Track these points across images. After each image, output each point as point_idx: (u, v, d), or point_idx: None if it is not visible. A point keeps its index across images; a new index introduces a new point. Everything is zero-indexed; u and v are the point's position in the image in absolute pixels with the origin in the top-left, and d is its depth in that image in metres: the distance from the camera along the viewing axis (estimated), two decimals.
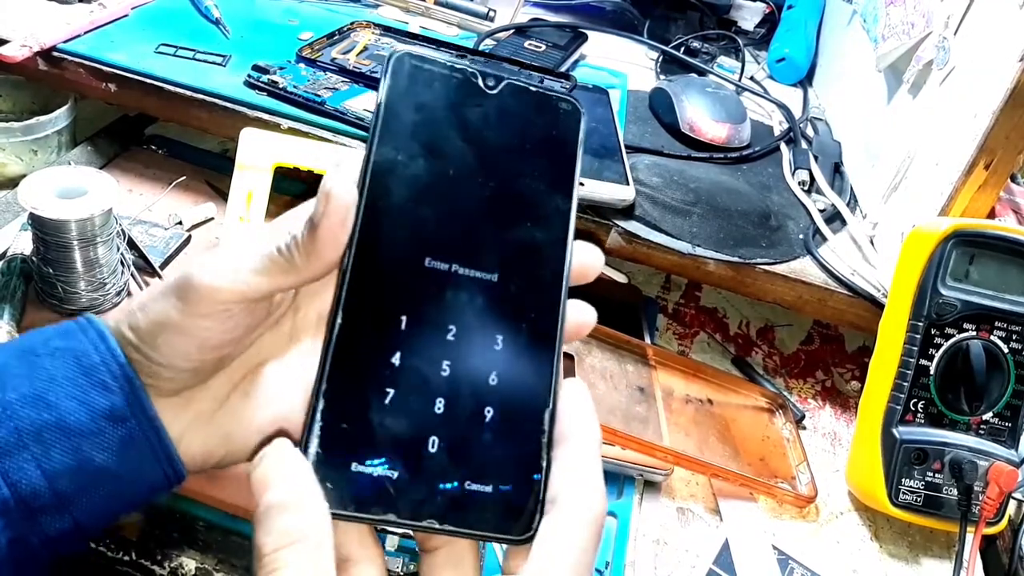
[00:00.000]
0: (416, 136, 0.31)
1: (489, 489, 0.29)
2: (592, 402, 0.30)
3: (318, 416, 0.28)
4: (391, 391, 0.28)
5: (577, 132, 0.33)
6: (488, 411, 0.29)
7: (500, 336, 0.30)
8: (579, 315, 0.32)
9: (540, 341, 0.31)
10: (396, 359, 0.29)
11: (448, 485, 0.28)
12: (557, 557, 0.26)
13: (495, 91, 0.32)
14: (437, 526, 0.28)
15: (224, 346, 0.31)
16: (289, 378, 0.32)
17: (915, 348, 0.51)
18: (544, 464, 0.29)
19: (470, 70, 0.32)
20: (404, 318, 0.29)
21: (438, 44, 0.74)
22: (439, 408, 0.29)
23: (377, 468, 0.28)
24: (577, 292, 0.33)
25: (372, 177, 0.30)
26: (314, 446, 0.27)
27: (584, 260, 0.32)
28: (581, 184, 0.35)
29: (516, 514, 0.29)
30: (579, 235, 0.33)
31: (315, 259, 0.29)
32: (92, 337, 0.30)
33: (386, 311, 0.29)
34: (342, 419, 0.28)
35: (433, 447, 0.28)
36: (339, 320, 0.29)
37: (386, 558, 0.31)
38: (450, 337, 0.29)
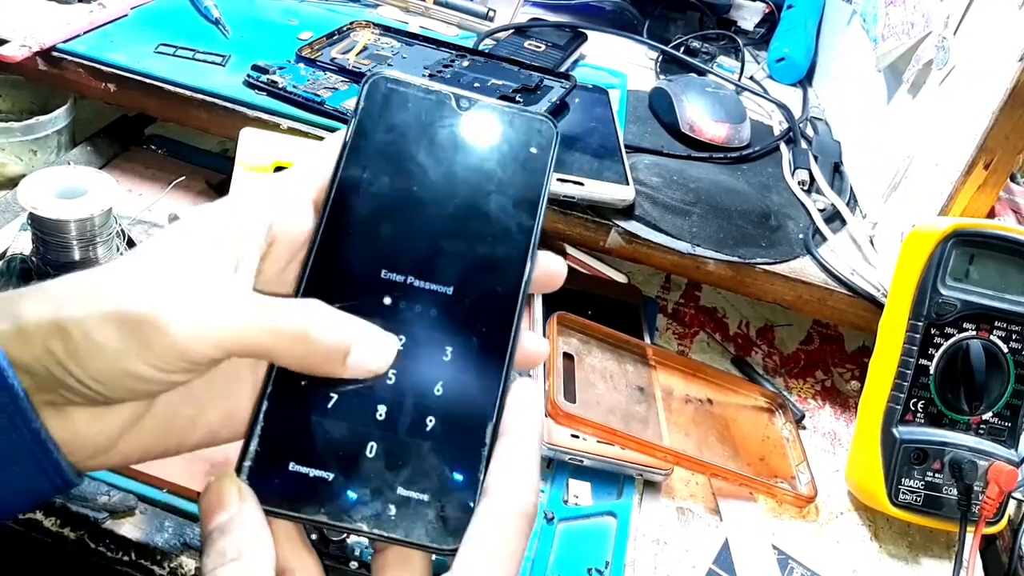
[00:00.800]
0: (384, 155, 0.32)
1: (424, 498, 0.29)
2: (539, 401, 0.31)
3: (261, 416, 0.29)
4: (334, 396, 0.29)
5: (548, 151, 0.34)
6: (430, 421, 0.30)
7: (450, 348, 0.31)
8: (549, 265, 0.33)
9: (489, 356, 0.31)
10: None
11: (382, 491, 0.29)
12: (484, 547, 0.27)
13: (467, 111, 0.34)
14: (366, 529, 0.28)
15: (180, 384, 0.28)
16: (235, 375, 0.31)
17: (915, 348, 0.51)
18: (480, 477, 0.30)
19: (444, 92, 0.34)
20: None
21: (437, 43, 0.74)
22: (380, 415, 0.30)
23: (313, 469, 0.29)
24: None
25: (337, 192, 0.31)
26: (254, 444, 0.28)
27: (548, 269, 0.33)
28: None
29: (447, 525, 0.29)
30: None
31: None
32: None
33: None
34: (284, 420, 0.29)
35: (371, 453, 0.29)
36: None
37: (323, 564, 0.32)
38: (399, 347, 0.30)
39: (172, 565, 0.41)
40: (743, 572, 0.48)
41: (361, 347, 0.28)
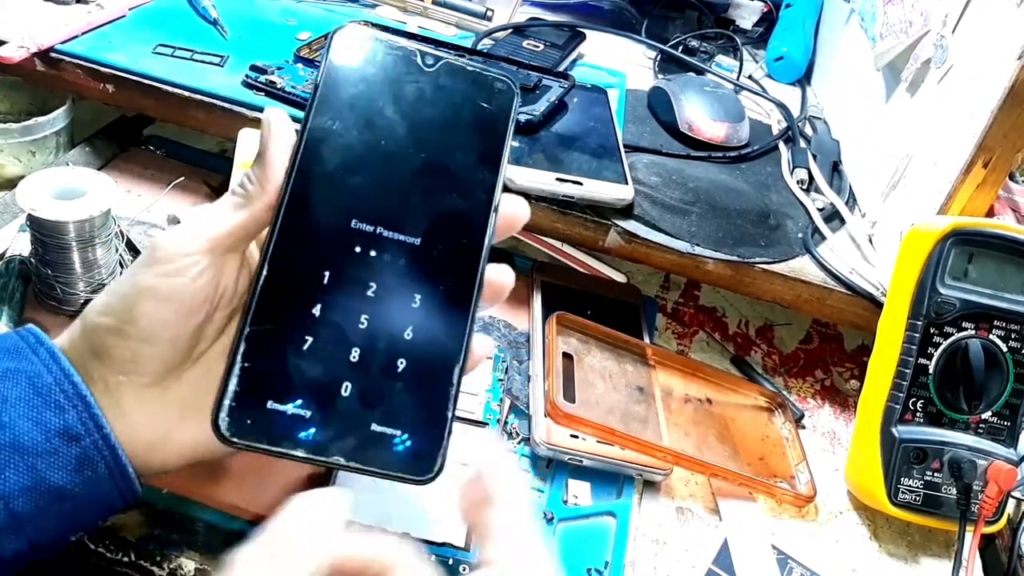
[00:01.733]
0: (352, 107, 0.33)
1: (396, 432, 0.31)
2: (510, 462, 0.32)
3: (239, 357, 0.30)
4: (310, 339, 0.31)
5: (509, 110, 0.36)
6: (401, 362, 0.32)
7: (418, 295, 0.33)
8: (498, 277, 0.34)
9: (456, 302, 0.33)
10: (316, 310, 0.31)
11: (357, 427, 0.31)
12: None
13: (432, 68, 0.35)
14: (343, 462, 0.30)
15: (200, 307, 0.31)
16: None
17: (914, 347, 0.51)
18: (449, 415, 0.32)
19: (410, 48, 0.35)
20: (327, 273, 0.32)
21: (436, 43, 0.74)
22: (354, 357, 0.31)
23: (290, 407, 0.30)
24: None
25: (306, 143, 0.33)
26: (233, 384, 0.30)
27: (509, 212, 0.35)
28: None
29: (419, 458, 0.31)
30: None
31: (266, 182, 0.31)
32: (44, 357, 0.30)
33: (310, 266, 0.31)
34: (262, 361, 0.30)
35: (346, 391, 0.31)
36: (264, 271, 0.31)
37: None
38: (370, 293, 0.32)
39: (172, 566, 0.41)
40: (742, 572, 0.48)
41: None
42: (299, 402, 0.30)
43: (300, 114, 0.61)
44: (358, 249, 0.32)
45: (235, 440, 0.29)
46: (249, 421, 0.30)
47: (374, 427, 0.31)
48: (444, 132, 0.34)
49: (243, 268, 0.33)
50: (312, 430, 0.30)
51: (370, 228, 0.32)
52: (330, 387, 0.31)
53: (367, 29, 0.35)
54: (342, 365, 0.31)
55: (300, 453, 0.30)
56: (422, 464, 0.31)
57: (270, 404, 0.30)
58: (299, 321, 0.31)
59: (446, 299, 0.33)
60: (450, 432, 0.32)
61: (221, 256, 0.32)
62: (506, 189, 0.35)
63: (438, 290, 0.33)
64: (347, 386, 0.31)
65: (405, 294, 0.32)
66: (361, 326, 0.32)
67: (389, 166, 0.33)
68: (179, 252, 0.30)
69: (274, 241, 0.31)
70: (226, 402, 0.29)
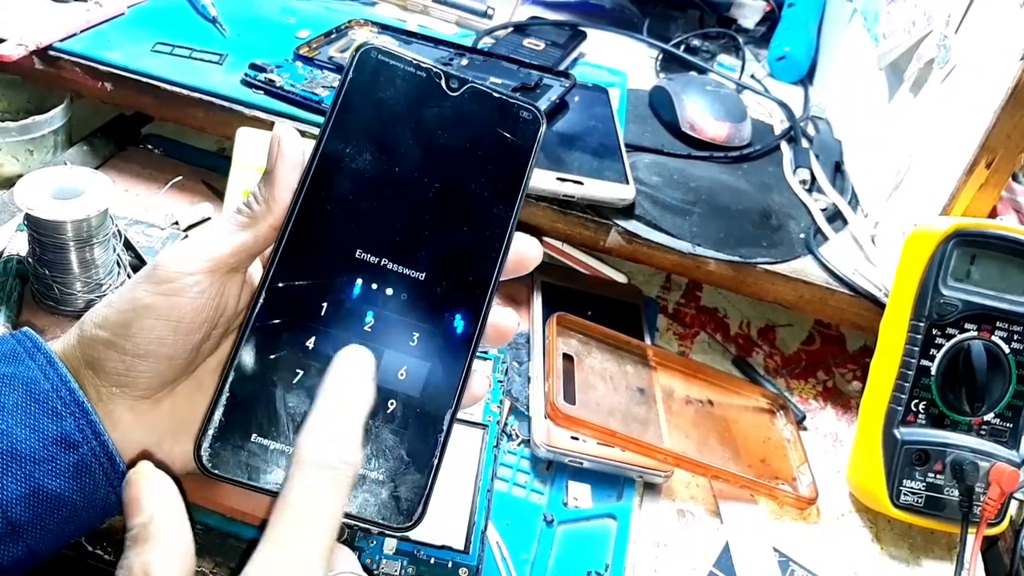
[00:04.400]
0: (368, 130, 0.32)
1: (379, 478, 0.30)
2: (365, 370, 0.29)
3: (227, 386, 0.29)
4: (300, 372, 0.30)
5: (533, 140, 0.34)
6: (391, 404, 0.31)
7: (416, 333, 0.31)
8: (503, 320, 0.33)
9: (455, 344, 0.32)
10: (311, 343, 0.30)
11: None
12: (288, 510, 0.26)
13: (456, 93, 0.33)
14: None
15: (199, 327, 0.31)
16: None
17: (916, 348, 0.51)
18: (435, 462, 0.31)
19: (435, 70, 0.33)
20: (325, 305, 0.30)
21: (436, 42, 0.73)
22: None
23: (274, 442, 0.29)
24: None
25: (318, 165, 0.31)
26: (219, 413, 0.29)
27: (520, 252, 0.33)
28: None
29: (399, 505, 0.30)
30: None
31: (272, 202, 0.31)
32: (41, 363, 0.29)
33: (308, 296, 0.30)
34: (249, 391, 0.29)
35: None
36: (261, 299, 0.30)
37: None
38: (367, 328, 0.31)
39: None
40: (744, 574, 0.48)
41: None
42: (284, 437, 0.29)
43: (302, 115, 0.61)
44: (360, 281, 0.31)
45: (216, 472, 0.29)
46: (231, 454, 0.29)
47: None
48: (462, 162, 0.33)
49: (245, 286, 0.33)
50: None
51: (375, 259, 0.31)
52: None
53: (390, 48, 0.33)
54: None
55: (279, 490, 0.29)
56: (401, 512, 0.30)
57: (255, 438, 0.29)
58: (291, 353, 0.30)
59: (445, 340, 0.31)
60: (435, 480, 0.30)
61: (223, 276, 0.31)
62: None
63: (438, 330, 0.31)
64: None
65: (403, 332, 0.31)
66: None
67: (401, 194, 0.32)
68: (180, 271, 0.30)
69: (274, 267, 0.30)
70: (210, 432, 0.29)
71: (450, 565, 0.42)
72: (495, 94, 0.33)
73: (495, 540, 0.45)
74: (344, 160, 0.31)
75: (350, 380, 0.29)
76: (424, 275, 0.32)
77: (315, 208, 0.31)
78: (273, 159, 0.31)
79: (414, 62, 0.33)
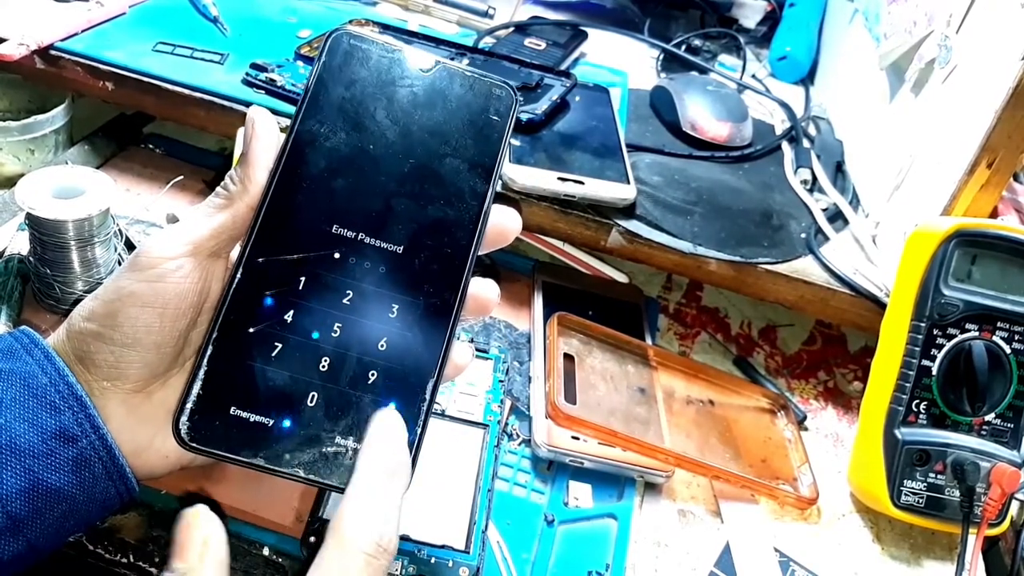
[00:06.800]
0: (342, 110, 0.33)
1: (360, 448, 0.30)
2: (403, 440, 0.30)
3: (205, 360, 0.29)
4: (279, 345, 0.30)
5: (507, 117, 0.35)
6: (372, 375, 0.31)
7: (396, 305, 0.32)
8: (483, 291, 0.34)
9: (435, 314, 0.32)
10: (289, 316, 0.30)
11: (320, 439, 0.30)
12: None
13: (428, 72, 0.34)
14: (301, 475, 0.29)
15: (185, 312, 0.31)
16: None
17: (917, 348, 0.51)
18: (419, 431, 0.31)
19: (405, 51, 0.34)
20: (303, 278, 0.31)
21: (437, 41, 0.73)
22: (324, 366, 0.30)
23: (254, 415, 0.29)
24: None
25: (293, 144, 0.32)
26: (197, 387, 0.29)
27: (499, 224, 0.34)
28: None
29: None
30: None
31: (248, 182, 0.31)
32: (38, 358, 0.30)
33: (286, 271, 0.31)
34: (228, 366, 0.30)
35: (312, 402, 0.30)
36: (239, 274, 0.30)
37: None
38: (346, 301, 0.31)
39: None
40: (744, 575, 0.48)
41: None
42: (263, 410, 0.29)
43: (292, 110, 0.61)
44: (337, 255, 0.31)
45: (194, 445, 0.29)
46: (210, 427, 0.29)
47: (338, 440, 0.30)
48: (436, 138, 0.33)
49: (228, 271, 0.33)
50: (274, 440, 0.29)
51: (351, 234, 0.32)
52: (296, 396, 0.30)
53: (365, 30, 0.34)
54: (311, 374, 0.30)
55: (259, 462, 0.29)
56: None
57: (233, 411, 0.29)
58: (270, 327, 0.30)
59: (425, 311, 0.32)
60: (419, 448, 0.30)
61: (205, 259, 0.31)
62: (508, 190, 0.34)
63: (418, 301, 0.32)
64: (314, 396, 0.30)
65: (383, 304, 0.31)
66: (334, 334, 0.31)
67: (376, 171, 0.32)
68: (161, 256, 0.30)
69: (251, 243, 0.30)
70: (188, 406, 0.29)
71: (451, 565, 0.42)
72: (467, 72, 0.35)
73: (496, 540, 0.45)
74: (319, 139, 0.32)
75: (387, 453, 0.29)
76: (401, 248, 0.32)
77: (291, 186, 0.31)
78: (248, 141, 0.31)
79: (385, 44, 0.34)
